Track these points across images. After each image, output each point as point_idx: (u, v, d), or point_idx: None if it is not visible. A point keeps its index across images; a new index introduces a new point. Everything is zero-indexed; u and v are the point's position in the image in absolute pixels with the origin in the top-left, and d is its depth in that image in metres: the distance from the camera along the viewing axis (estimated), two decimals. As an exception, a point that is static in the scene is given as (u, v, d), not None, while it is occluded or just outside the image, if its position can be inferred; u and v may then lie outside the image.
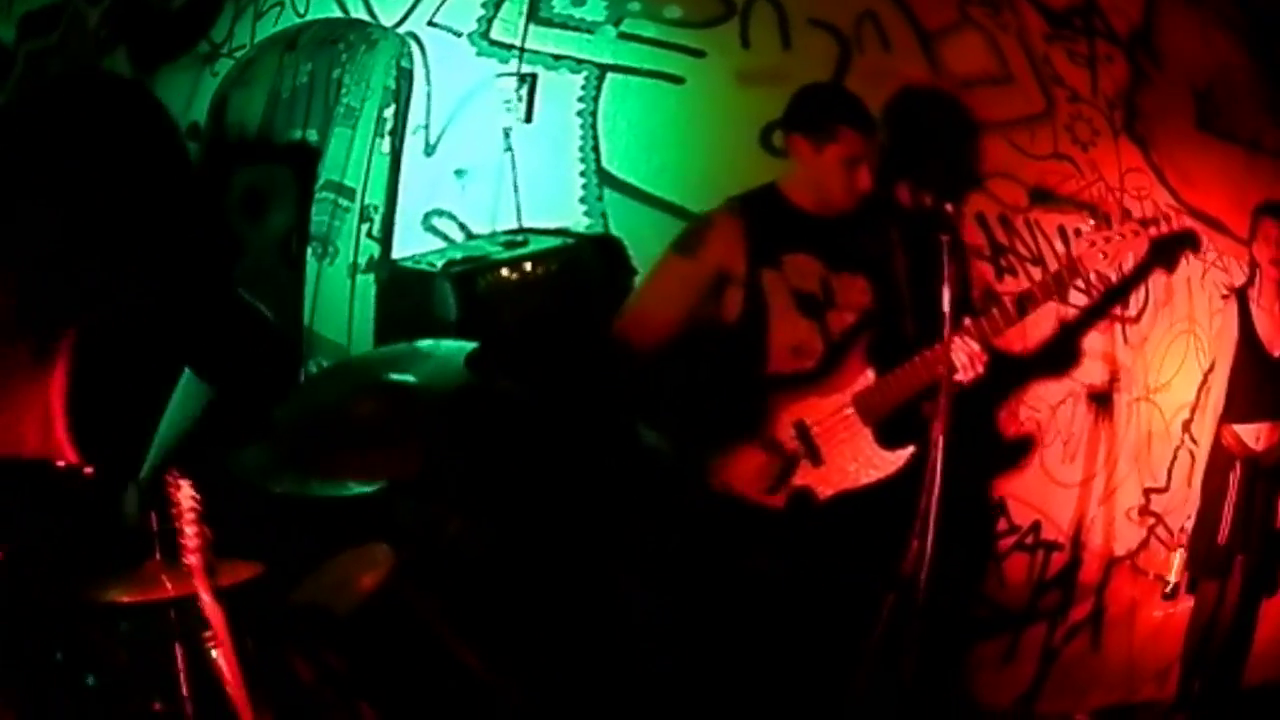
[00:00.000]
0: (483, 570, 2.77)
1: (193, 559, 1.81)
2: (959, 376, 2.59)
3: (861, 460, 2.66)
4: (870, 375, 2.66)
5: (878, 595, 2.69)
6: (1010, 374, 3.02)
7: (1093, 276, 3.01)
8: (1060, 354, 3.14)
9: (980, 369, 2.61)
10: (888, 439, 2.66)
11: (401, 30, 3.14)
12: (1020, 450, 3.12)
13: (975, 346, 2.60)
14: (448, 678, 2.44)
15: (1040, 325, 3.08)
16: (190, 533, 1.83)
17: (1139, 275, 3.17)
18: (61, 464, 0.86)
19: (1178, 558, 3.29)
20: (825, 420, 2.65)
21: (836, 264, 2.68)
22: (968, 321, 2.61)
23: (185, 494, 1.83)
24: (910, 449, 2.64)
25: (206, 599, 1.82)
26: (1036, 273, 3.13)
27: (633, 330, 2.67)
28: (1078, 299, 3.14)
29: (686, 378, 2.72)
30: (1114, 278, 3.10)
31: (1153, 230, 2.96)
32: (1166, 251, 3.18)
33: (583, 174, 2.95)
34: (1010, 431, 3.12)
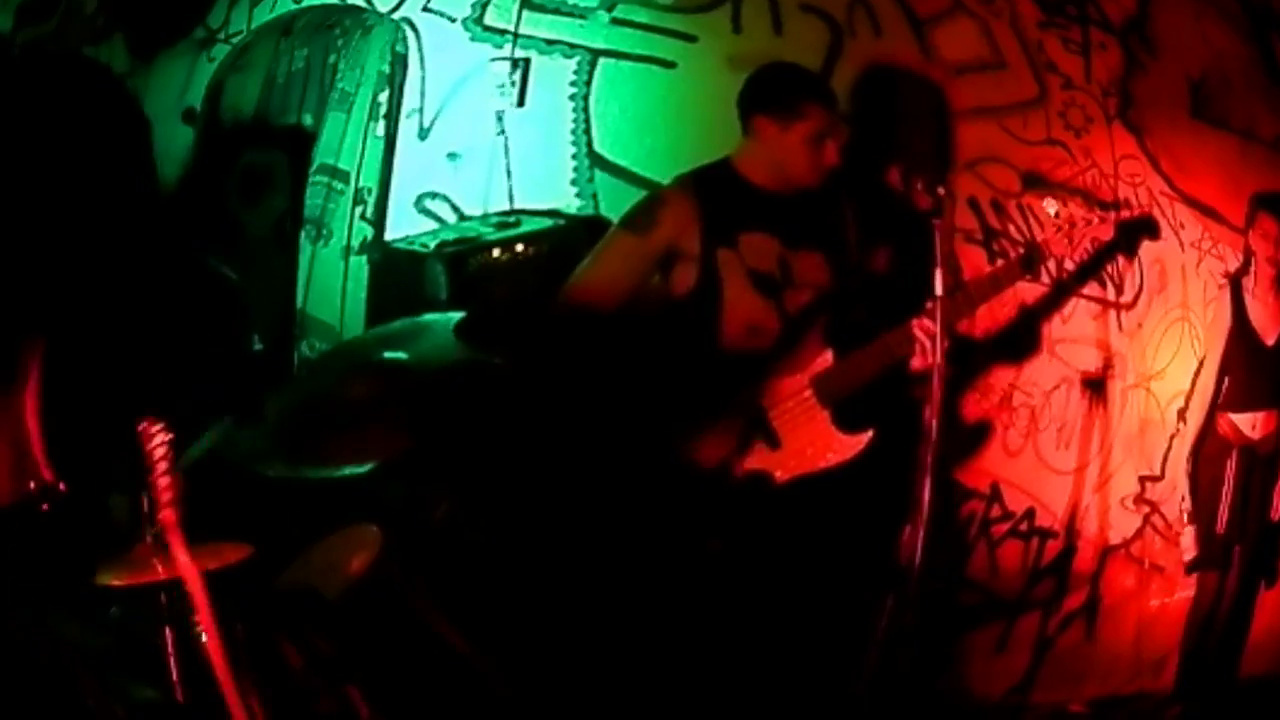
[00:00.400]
0: (471, 552, 2.73)
1: (165, 513, 1.75)
2: (916, 361, 2.54)
3: (819, 443, 2.58)
4: (829, 356, 2.59)
5: (869, 589, 2.65)
6: (970, 359, 2.96)
7: (1054, 262, 2.95)
8: (1021, 340, 3.07)
9: (939, 355, 2.44)
10: (846, 422, 2.59)
11: (396, 16, 3.11)
12: (980, 435, 3.06)
13: (935, 330, 2.45)
14: (435, 661, 2.39)
15: (1002, 310, 3.01)
16: (163, 485, 1.75)
17: (1098, 260, 3.07)
18: (34, 483, 0.79)
19: (1189, 535, 3.23)
20: (782, 402, 2.58)
21: (794, 242, 2.59)
22: (928, 304, 2.50)
23: (157, 444, 1.76)
24: (869, 433, 2.58)
25: (181, 557, 1.77)
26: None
27: (577, 302, 2.57)
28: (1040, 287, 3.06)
29: (636, 354, 2.62)
30: (1075, 262, 3.01)
31: (1114, 215, 2.89)
32: (1127, 236, 3.06)
33: (574, 157, 2.91)
34: (971, 415, 3.05)
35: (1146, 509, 3.26)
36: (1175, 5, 3.38)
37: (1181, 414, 3.30)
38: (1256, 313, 3.33)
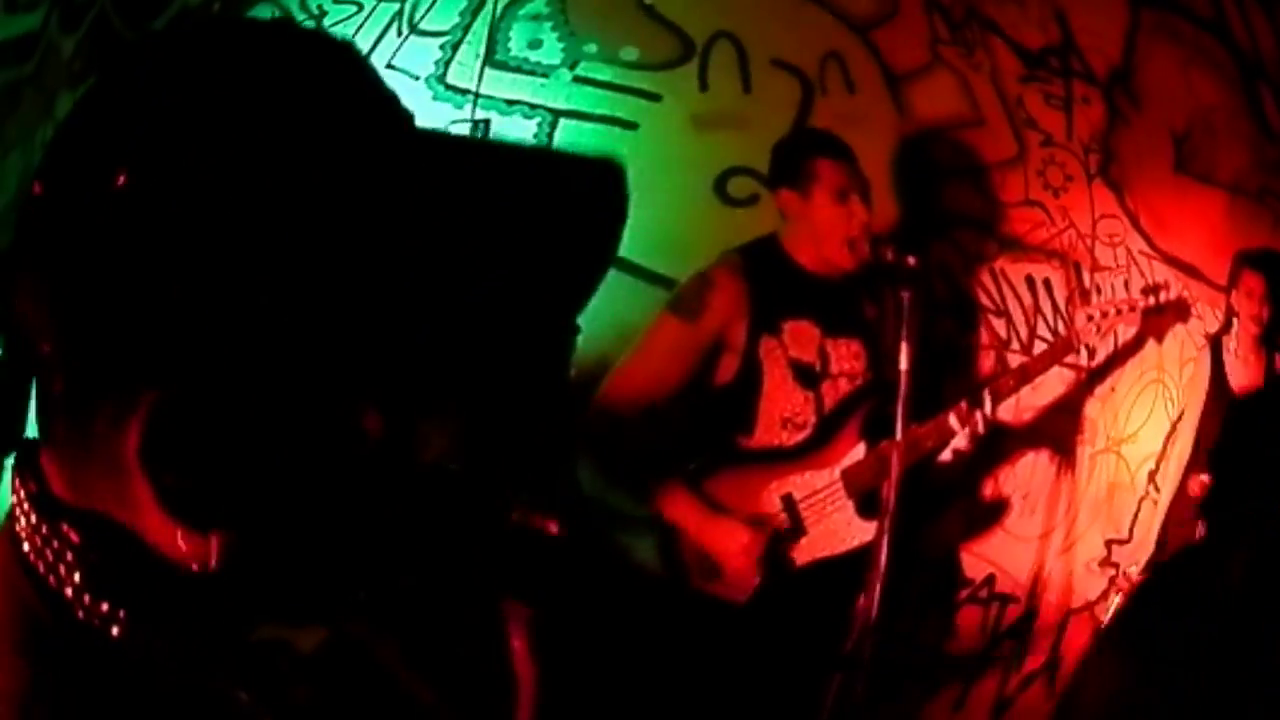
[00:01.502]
0: (437, 615, 2.69)
1: None
2: (949, 452, 2.43)
3: (841, 531, 2.47)
4: (862, 449, 2.45)
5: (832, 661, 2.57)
6: (995, 445, 2.81)
7: (1084, 350, 2.84)
8: (1046, 426, 2.95)
9: (972, 446, 2.44)
10: (869, 510, 2.45)
11: (360, 71, 2.98)
12: (995, 513, 2.93)
13: (978, 418, 2.42)
14: (402, 711, 2.39)
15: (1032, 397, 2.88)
16: None
17: (1131, 349, 2.97)
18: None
19: (1117, 601, 3.12)
20: (812, 495, 2.45)
21: (833, 328, 2.43)
22: (964, 403, 2.43)
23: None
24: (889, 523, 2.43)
25: None
26: (1000, 325, 2.94)
27: (621, 392, 2.40)
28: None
29: (670, 444, 2.48)
30: (1106, 353, 2.92)
31: (1145, 302, 2.75)
32: (1156, 323, 2.96)
33: (531, 225, 2.78)
34: (987, 496, 2.93)
35: (1112, 571, 3.14)
36: (1161, 55, 3.16)
37: (1152, 476, 3.16)
38: (1236, 372, 3.16)
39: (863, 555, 2.43)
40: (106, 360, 0.59)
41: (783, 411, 2.43)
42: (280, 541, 0.67)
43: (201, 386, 0.58)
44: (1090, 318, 2.64)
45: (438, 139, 0.67)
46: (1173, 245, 3.13)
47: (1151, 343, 3.09)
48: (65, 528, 0.63)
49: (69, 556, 0.62)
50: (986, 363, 2.87)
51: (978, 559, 2.95)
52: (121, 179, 0.57)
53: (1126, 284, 3.06)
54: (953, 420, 2.42)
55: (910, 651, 2.90)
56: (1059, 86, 3.03)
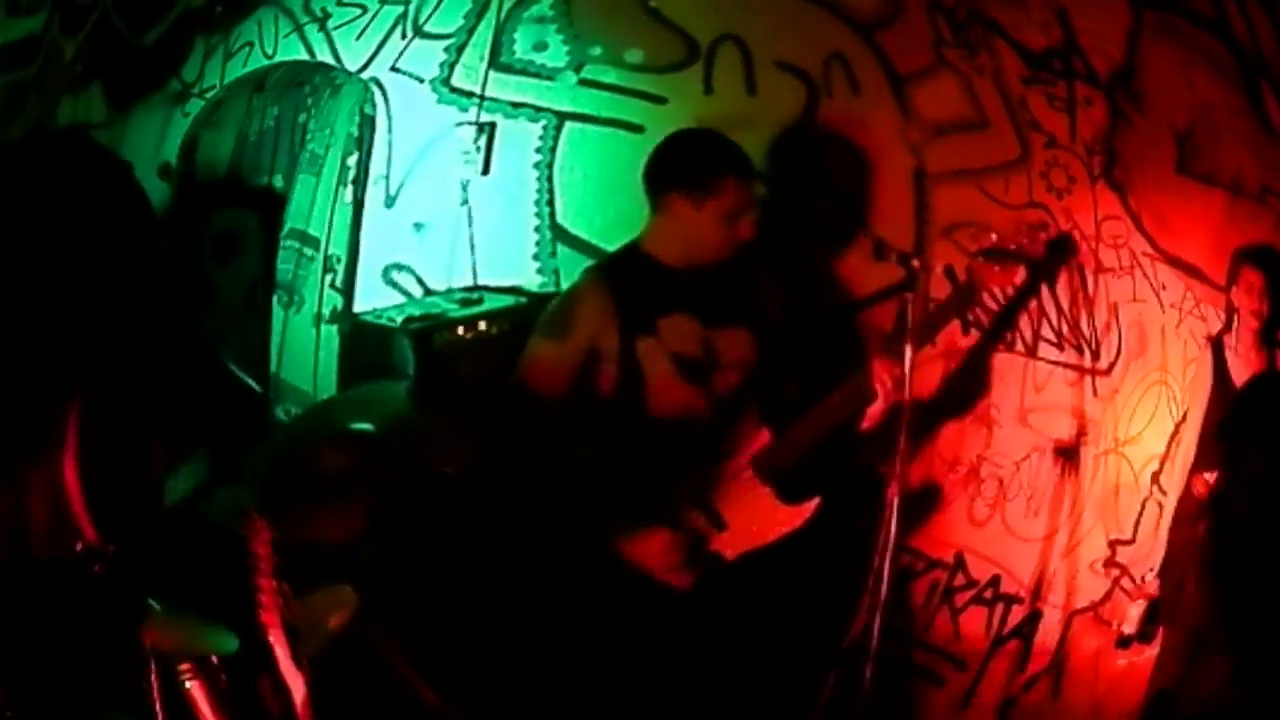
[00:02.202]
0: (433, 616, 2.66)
1: (268, 616, 1.62)
2: (865, 423, 2.36)
3: (765, 519, 2.41)
4: (766, 434, 2.39)
5: (822, 657, 2.53)
6: (920, 421, 2.67)
7: (989, 295, 2.71)
8: (968, 390, 2.83)
9: (903, 390, 2.23)
10: (788, 494, 2.40)
11: (365, 75, 2.90)
12: (930, 500, 2.84)
13: (898, 371, 2.26)
14: (405, 711, 2.36)
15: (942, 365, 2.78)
16: (266, 587, 1.65)
17: (1025, 293, 2.83)
18: (80, 545, 0.74)
19: (1136, 609, 3.07)
20: (723, 484, 2.39)
21: (714, 319, 2.35)
22: (865, 367, 2.35)
23: (262, 543, 1.65)
24: (815, 501, 2.40)
25: (284, 660, 1.65)
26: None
27: (514, 411, 2.36)
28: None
29: (574, 459, 2.40)
30: (1006, 295, 2.76)
31: (1042, 235, 2.60)
32: (1047, 262, 2.78)
33: (537, 229, 2.70)
34: (917, 479, 2.79)
35: (1116, 572, 3.09)
36: (1163, 55, 3.10)
37: (1155, 477, 3.11)
38: (1239, 370, 3.10)
39: (794, 542, 2.39)
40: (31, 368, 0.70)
41: (674, 407, 2.35)
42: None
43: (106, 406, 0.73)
44: (989, 260, 2.49)
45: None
46: (1175, 246, 3.08)
47: (1144, 331, 3.02)
48: None
49: None
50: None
51: (981, 559, 2.90)
52: None
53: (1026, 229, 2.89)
54: (876, 369, 2.34)
55: (914, 650, 2.86)
56: (1062, 88, 2.97)
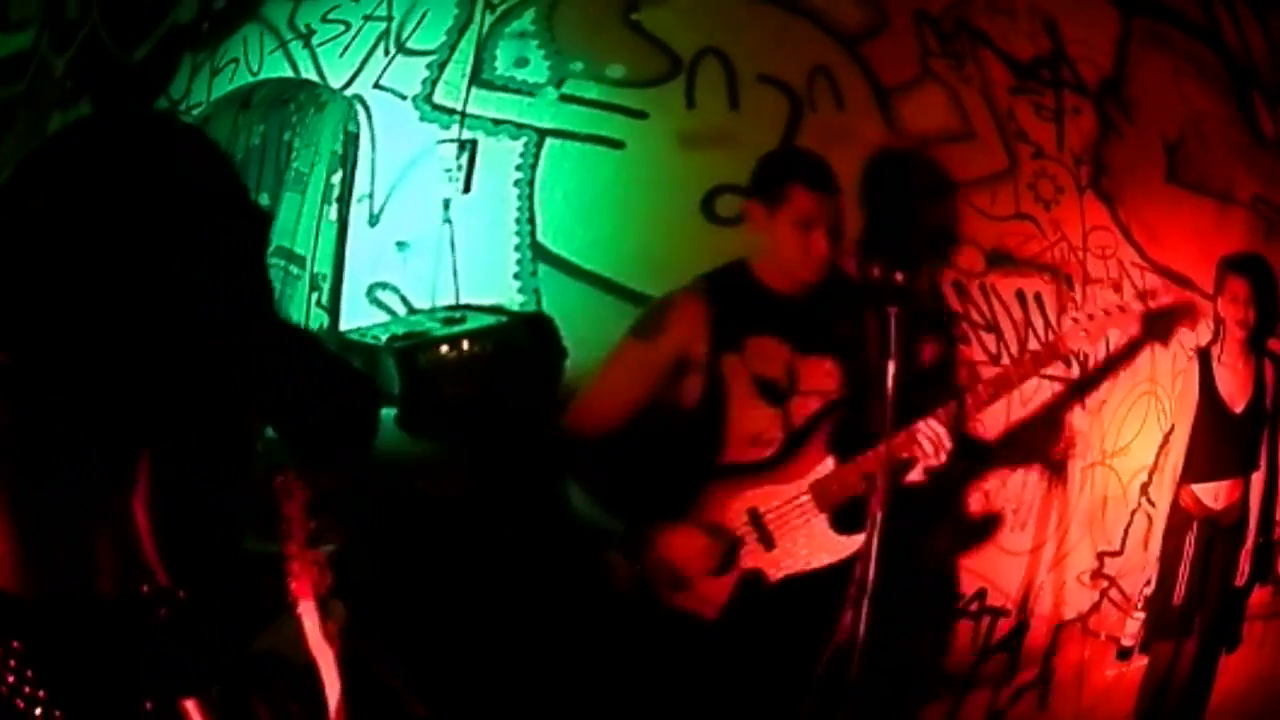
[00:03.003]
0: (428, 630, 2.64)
1: (299, 586, 1.43)
2: (922, 463, 2.30)
3: (814, 545, 2.37)
4: (830, 463, 2.35)
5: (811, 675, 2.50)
6: (978, 458, 2.71)
7: (1074, 356, 2.69)
8: (1035, 437, 2.83)
9: (944, 457, 2.29)
10: (842, 524, 2.36)
11: (349, 92, 2.86)
12: (986, 529, 2.82)
13: (941, 432, 2.28)
14: None
15: (1016, 408, 2.77)
16: (298, 555, 1.41)
17: (1128, 353, 2.83)
18: (147, 587, 0.69)
19: (1134, 622, 3.03)
20: (779, 507, 2.36)
21: (803, 346, 2.35)
22: (940, 409, 2.30)
23: (296, 506, 1.49)
24: (864, 534, 2.40)
25: (311, 634, 1.51)
26: (990, 340, 2.84)
27: (586, 417, 2.36)
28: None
29: (638, 462, 2.40)
30: (1097, 356, 2.77)
31: (1141, 306, 2.58)
32: (1160, 326, 2.82)
33: (517, 248, 2.66)
34: (976, 510, 2.82)
35: (1104, 584, 3.04)
36: (1152, 64, 3.03)
37: (1144, 488, 3.06)
38: (1225, 381, 3.05)
39: (842, 572, 2.38)
40: (99, 415, 0.61)
41: (750, 429, 2.35)
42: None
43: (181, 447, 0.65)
44: (1076, 321, 2.48)
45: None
46: (1165, 256, 3.01)
47: (1146, 351, 2.99)
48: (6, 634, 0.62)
49: (12, 663, 0.62)
50: (972, 377, 2.78)
51: (969, 573, 2.86)
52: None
53: (1118, 288, 2.95)
54: (922, 429, 2.30)
55: (900, 667, 2.82)
56: (1050, 98, 2.91)
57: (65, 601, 0.67)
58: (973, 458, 2.67)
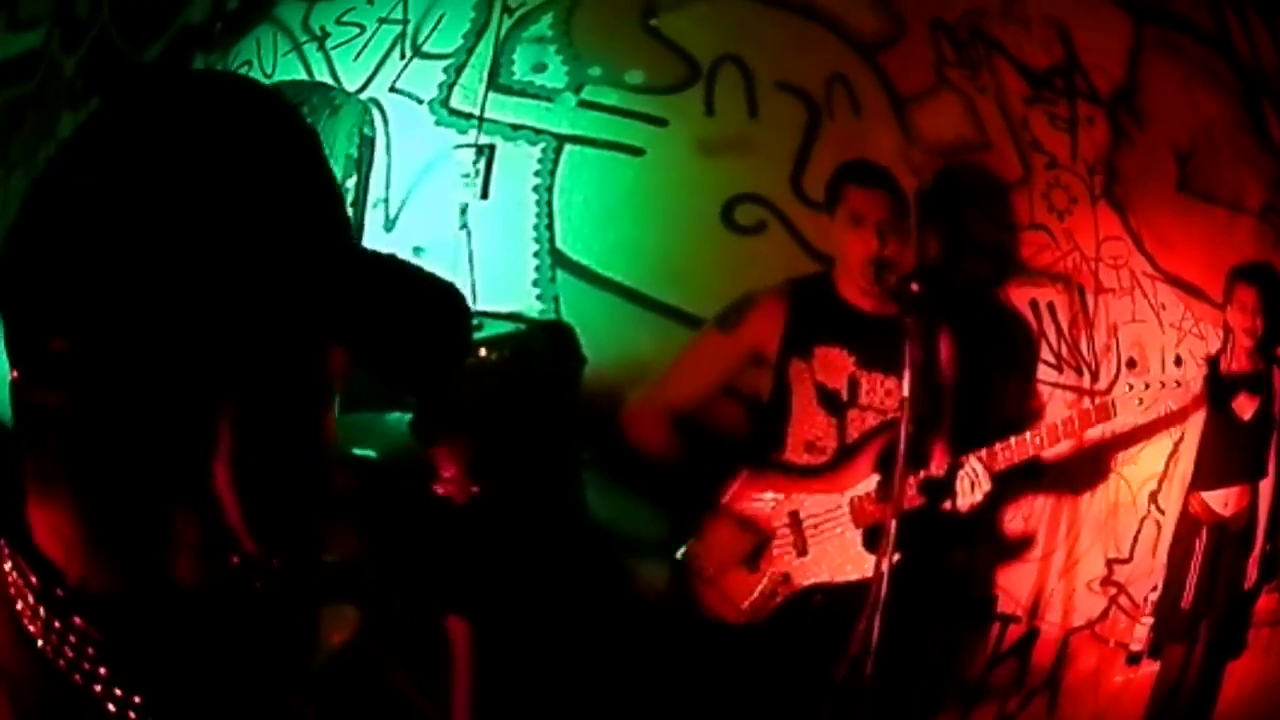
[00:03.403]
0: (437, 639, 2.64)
1: None
2: (956, 503, 2.35)
3: (844, 559, 2.41)
4: (874, 481, 2.38)
5: (826, 684, 2.51)
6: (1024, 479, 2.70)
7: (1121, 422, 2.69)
8: (1080, 476, 2.87)
9: (980, 499, 2.35)
10: (874, 543, 2.36)
11: (364, 96, 2.85)
12: (1019, 548, 2.86)
13: (982, 475, 2.34)
14: None
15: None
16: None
17: (1164, 424, 2.87)
18: (236, 559, 0.64)
19: (1142, 628, 3.04)
20: (820, 515, 2.40)
21: (870, 362, 2.40)
22: (983, 450, 2.35)
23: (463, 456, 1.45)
24: (896, 556, 2.37)
25: None
26: (1013, 356, 2.84)
27: (660, 396, 2.45)
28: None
29: (700, 447, 2.49)
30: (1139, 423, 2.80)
31: (1195, 388, 2.65)
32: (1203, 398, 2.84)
33: (536, 254, 2.66)
34: (1011, 532, 2.85)
35: (1114, 590, 3.06)
36: (1164, 72, 3.03)
37: (1154, 496, 3.08)
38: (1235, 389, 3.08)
39: (866, 588, 2.38)
40: (169, 387, 0.58)
41: (807, 434, 2.42)
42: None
43: (265, 399, 0.59)
44: (1130, 387, 2.51)
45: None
46: (1176, 266, 3.02)
47: (1144, 350, 2.98)
48: (82, 623, 0.60)
49: (90, 651, 0.59)
50: (1008, 392, 2.78)
51: (980, 581, 2.87)
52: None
53: (1178, 361, 2.95)
54: (965, 470, 2.35)
55: (914, 675, 2.83)
56: (1064, 107, 2.92)
57: (143, 586, 0.65)
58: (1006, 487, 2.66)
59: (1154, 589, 3.02)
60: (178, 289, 0.60)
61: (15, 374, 0.61)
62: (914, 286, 2.32)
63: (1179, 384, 2.56)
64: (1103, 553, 3.00)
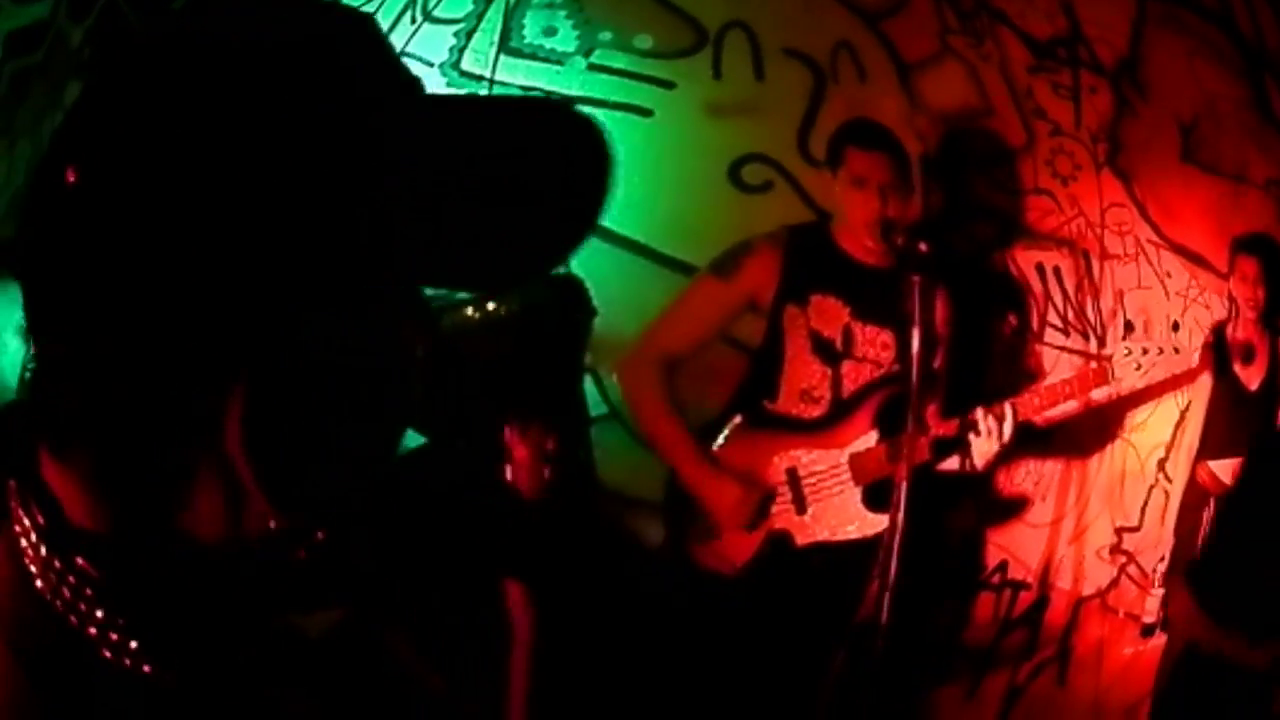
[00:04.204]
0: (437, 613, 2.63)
1: None
2: (970, 457, 2.36)
3: (844, 517, 2.39)
4: (873, 438, 2.37)
5: (829, 646, 2.50)
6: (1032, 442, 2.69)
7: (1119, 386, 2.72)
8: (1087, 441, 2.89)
9: (993, 453, 2.35)
10: (874, 501, 2.37)
11: (373, 59, 2.89)
12: (1014, 508, 2.85)
13: (994, 428, 2.34)
14: (412, 697, 2.33)
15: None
16: None
17: (1168, 388, 2.89)
18: (274, 523, 0.60)
19: (1154, 599, 3.04)
20: (818, 473, 2.39)
21: (865, 313, 2.39)
22: (995, 406, 2.35)
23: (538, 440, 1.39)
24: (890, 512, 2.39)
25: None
26: (1014, 318, 2.87)
27: (654, 342, 2.41)
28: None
29: (694, 397, 2.45)
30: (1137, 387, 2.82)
31: (1196, 355, 2.67)
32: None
33: (546, 212, 2.70)
34: (1006, 491, 2.85)
35: (1123, 559, 3.06)
36: (1167, 46, 3.09)
37: (1161, 464, 3.09)
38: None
39: (866, 548, 2.38)
40: (187, 352, 0.56)
41: (802, 383, 2.40)
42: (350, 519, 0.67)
43: (280, 368, 0.57)
44: (1129, 352, 2.51)
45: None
46: (1180, 234, 3.06)
47: (1150, 319, 3.01)
48: (83, 562, 0.59)
49: (88, 592, 0.59)
50: (1007, 353, 2.80)
51: (990, 545, 2.87)
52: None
53: (1175, 327, 2.97)
54: (972, 430, 2.36)
55: (924, 640, 2.82)
56: (1067, 76, 2.96)
57: (152, 532, 0.63)
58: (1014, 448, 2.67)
59: (1162, 559, 3.03)
60: (198, 249, 0.58)
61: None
62: (922, 246, 2.35)
63: (1178, 350, 2.56)
64: (1111, 520, 3.01)
